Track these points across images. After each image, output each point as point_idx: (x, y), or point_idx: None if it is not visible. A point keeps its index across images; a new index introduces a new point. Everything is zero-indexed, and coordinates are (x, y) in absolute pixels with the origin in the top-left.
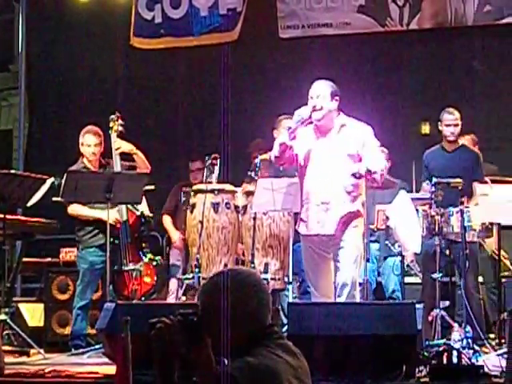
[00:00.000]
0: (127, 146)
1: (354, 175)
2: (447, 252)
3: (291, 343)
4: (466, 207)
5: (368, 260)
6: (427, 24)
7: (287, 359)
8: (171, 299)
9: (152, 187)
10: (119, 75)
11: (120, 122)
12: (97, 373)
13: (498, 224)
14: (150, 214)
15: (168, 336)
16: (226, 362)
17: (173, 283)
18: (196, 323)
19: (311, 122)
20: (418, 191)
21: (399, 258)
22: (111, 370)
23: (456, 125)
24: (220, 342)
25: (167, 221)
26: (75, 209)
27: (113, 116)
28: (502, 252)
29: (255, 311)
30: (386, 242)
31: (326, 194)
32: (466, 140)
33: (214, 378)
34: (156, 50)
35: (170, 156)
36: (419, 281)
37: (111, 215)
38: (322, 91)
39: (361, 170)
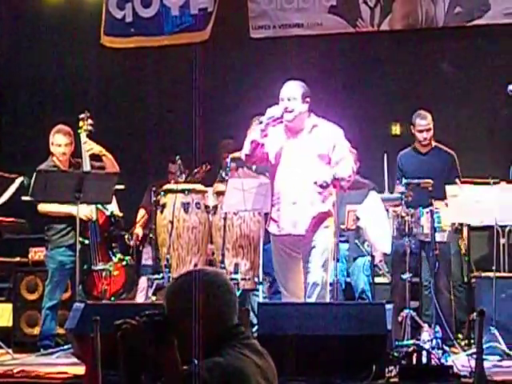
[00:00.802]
0: (97, 148)
1: (320, 186)
2: (417, 252)
3: (258, 343)
4: (436, 208)
5: (337, 260)
6: (398, 25)
7: (254, 359)
8: (140, 298)
9: (122, 187)
10: (90, 74)
11: (90, 121)
12: (66, 373)
13: (468, 225)
14: (120, 214)
15: (133, 337)
16: (196, 362)
17: (142, 281)
18: (161, 323)
19: (282, 122)
20: (391, 192)
21: (369, 258)
22: (80, 370)
23: (428, 129)
24: (187, 343)
25: (140, 214)
26: (45, 205)
27: (82, 115)
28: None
29: (222, 312)
30: (356, 242)
31: (297, 195)
32: None
33: (181, 379)
34: (127, 49)
35: (141, 156)
36: (388, 281)
37: (83, 211)
38: (293, 93)
39: (327, 178)
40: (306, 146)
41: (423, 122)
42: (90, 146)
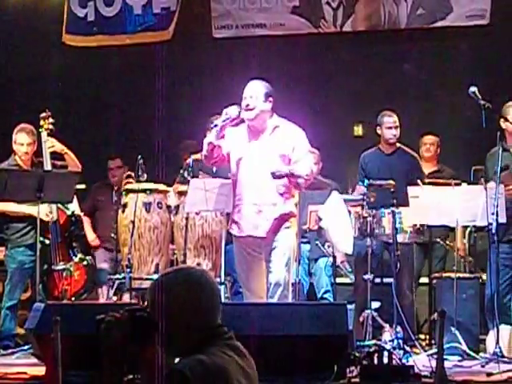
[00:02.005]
0: (59, 146)
1: (272, 174)
2: (379, 253)
3: (240, 344)
4: (398, 209)
5: (299, 261)
6: (361, 26)
7: (236, 359)
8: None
9: (83, 186)
10: (51, 73)
11: (50, 120)
12: (25, 373)
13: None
14: (81, 214)
15: (116, 330)
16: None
17: (103, 291)
18: (145, 319)
19: (242, 121)
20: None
21: (331, 258)
22: (40, 370)
23: (397, 127)
24: (171, 342)
25: (85, 222)
26: (4, 205)
27: (43, 114)
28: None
29: (206, 311)
30: (317, 243)
31: (258, 196)
32: (429, 140)
33: (155, 377)
34: (89, 47)
35: (103, 155)
36: (350, 281)
37: (44, 210)
38: (255, 91)
39: (283, 170)
40: (267, 148)
41: (391, 119)
42: (52, 144)
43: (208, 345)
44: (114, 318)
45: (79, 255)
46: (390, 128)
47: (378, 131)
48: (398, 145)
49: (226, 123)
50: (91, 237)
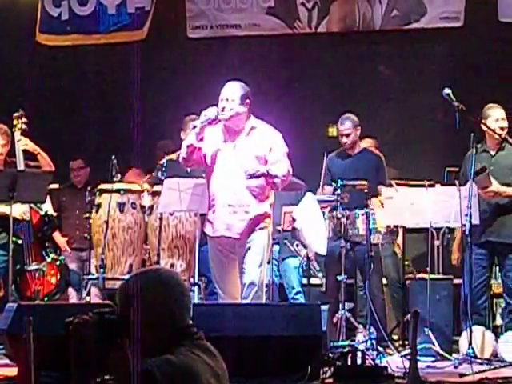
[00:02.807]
0: (31, 145)
1: (247, 174)
2: (352, 254)
3: (210, 344)
4: (371, 210)
5: (270, 262)
6: (335, 27)
7: (205, 359)
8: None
9: (56, 186)
10: (25, 72)
11: (24, 119)
12: None
13: (403, 227)
14: (54, 214)
15: (85, 332)
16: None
17: (71, 294)
18: (113, 322)
19: (219, 121)
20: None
21: (303, 259)
22: (12, 371)
23: (347, 135)
24: (139, 342)
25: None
26: None
27: (16, 114)
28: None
29: (175, 311)
30: (285, 242)
31: (232, 197)
32: (366, 143)
33: (128, 379)
34: (63, 47)
35: (77, 155)
36: (319, 282)
37: (19, 209)
38: (232, 94)
39: (260, 170)
40: (243, 148)
41: (341, 127)
42: (25, 142)
43: (177, 345)
44: (83, 321)
45: (52, 255)
46: (342, 136)
47: None
48: (362, 146)
49: (204, 125)
50: (58, 242)
